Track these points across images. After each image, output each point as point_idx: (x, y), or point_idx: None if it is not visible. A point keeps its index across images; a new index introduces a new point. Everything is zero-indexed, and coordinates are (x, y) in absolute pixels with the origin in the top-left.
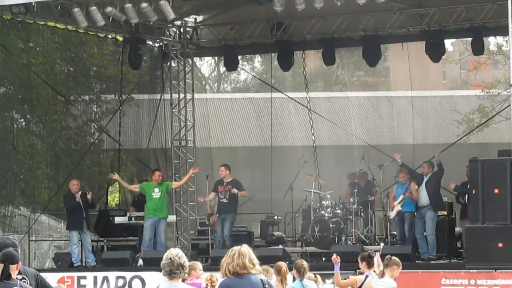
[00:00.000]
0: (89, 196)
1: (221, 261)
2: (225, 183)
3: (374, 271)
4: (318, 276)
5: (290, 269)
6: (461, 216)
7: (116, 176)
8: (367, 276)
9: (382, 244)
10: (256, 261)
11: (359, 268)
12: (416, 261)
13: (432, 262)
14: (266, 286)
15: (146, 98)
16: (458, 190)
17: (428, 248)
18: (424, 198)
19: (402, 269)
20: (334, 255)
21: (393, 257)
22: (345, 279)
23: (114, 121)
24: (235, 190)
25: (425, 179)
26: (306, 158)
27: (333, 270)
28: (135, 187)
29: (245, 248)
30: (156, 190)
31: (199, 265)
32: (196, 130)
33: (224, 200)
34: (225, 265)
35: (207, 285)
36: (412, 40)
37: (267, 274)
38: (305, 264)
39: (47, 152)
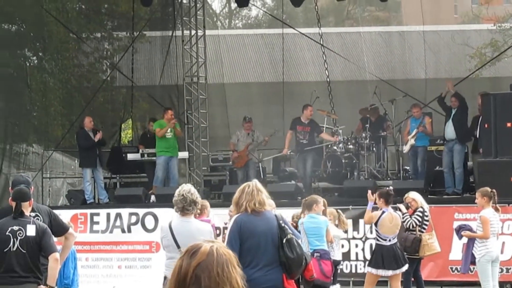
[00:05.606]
0: (99, 135)
1: (235, 197)
2: (305, 123)
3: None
4: (340, 212)
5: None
6: (473, 150)
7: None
8: (383, 212)
9: (391, 186)
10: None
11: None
12: (429, 196)
13: (444, 196)
14: (281, 221)
15: (158, 35)
16: None
17: (455, 181)
18: (451, 131)
19: None
20: (369, 192)
21: None
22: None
23: (126, 58)
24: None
25: (453, 112)
26: (318, 93)
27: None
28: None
29: (259, 184)
30: (169, 129)
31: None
32: (209, 67)
33: (304, 141)
34: (246, 202)
35: None
36: None
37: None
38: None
39: (59, 90)
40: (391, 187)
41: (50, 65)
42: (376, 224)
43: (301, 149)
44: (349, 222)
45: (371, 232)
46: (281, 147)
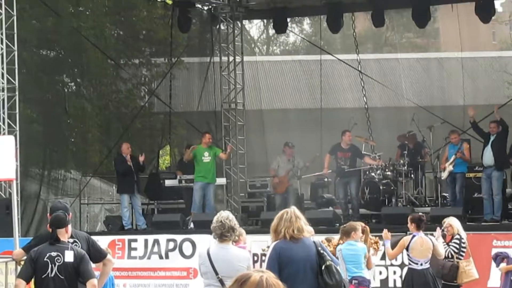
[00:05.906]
0: (142, 158)
1: (273, 224)
2: (345, 149)
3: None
4: (378, 240)
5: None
6: None
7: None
8: (414, 236)
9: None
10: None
11: (409, 230)
12: (467, 223)
13: (483, 223)
14: (319, 248)
15: (196, 61)
16: None
17: (494, 208)
18: (489, 157)
19: None
20: (385, 231)
21: None
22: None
23: (164, 84)
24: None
25: (492, 139)
26: (356, 119)
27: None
28: (189, 156)
29: (297, 210)
30: (206, 154)
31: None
32: (247, 93)
33: (345, 167)
34: (284, 229)
35: None
36: (462, 1)
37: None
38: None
39: (97, 116)
40: (446, 221)
41: (88, 91)
42: (407, 248)
43: (341, 174)
44: None
45: None
46: (320, 171)
